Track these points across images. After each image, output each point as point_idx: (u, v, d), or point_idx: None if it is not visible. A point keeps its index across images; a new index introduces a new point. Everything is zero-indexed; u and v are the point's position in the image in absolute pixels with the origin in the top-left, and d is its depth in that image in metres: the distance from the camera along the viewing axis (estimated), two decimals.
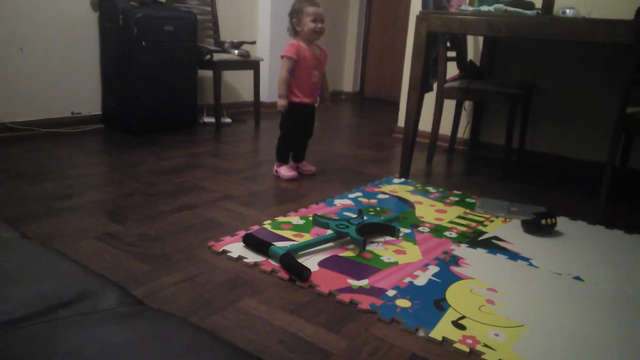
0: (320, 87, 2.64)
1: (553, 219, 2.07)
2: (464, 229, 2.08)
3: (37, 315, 0.65)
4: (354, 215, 2.10)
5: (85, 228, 1.88)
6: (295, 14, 2.52)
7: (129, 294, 0.76)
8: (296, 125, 2.61)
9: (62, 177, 2.42)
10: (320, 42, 2.61)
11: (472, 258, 1.82)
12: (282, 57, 2.51)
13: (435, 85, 3.03)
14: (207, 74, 3.87)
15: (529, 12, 2.38)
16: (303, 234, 1.93)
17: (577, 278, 1.71)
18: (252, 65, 3.84)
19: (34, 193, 2.19)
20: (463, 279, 1.66)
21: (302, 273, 1.56)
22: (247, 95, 4.46)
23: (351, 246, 1.84)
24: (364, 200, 2.36)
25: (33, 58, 3.13)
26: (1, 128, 3.05)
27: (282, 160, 2.66)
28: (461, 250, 1.88)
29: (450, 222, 2.15)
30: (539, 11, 2.50)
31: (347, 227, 1.86)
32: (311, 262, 1.70)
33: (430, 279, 1.64)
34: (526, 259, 1.83)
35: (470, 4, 2.67)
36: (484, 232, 2.06)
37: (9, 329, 0.62)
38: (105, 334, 0.62)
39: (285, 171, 2.61)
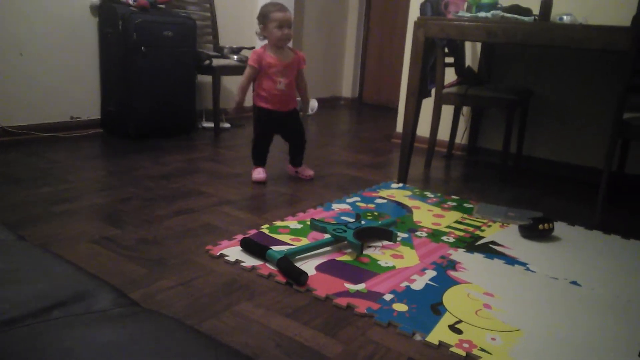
0: (292, 94, 2.62)
1: (550, 224, 2.07)
2: (461, 233, 2.08)
3: (31, 315, 0.65)
4: (351, 220, 2.10)
5: (82, 232, 1.88)
6: (261, 19, 2.49)
7: (124, 295, 0.76)
8: (263, 129, 2.64)
9: (60, 181, 2.43)
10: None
11: (469, 263, 1.82)
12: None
13: (433, 91, 3.04)
14: (206, 79, 3.88)
15: (526, 19, 2.40)
16: (300, 238, 1.93)
17: (574, 283, 1.71)
18: None
19: (32, 197, 2.20)
20: (460, 283, 1.66)
21: (299, 277, 1.56)
22: (246, 101, 4.46)
23: (349, 250, 1.84)
24: (362, 204, 2.36)
25: (32, 63, 3.14)
26: (0, 132, 3.06)
27: (255, 162, 2.68)
28: (458, 254, 1.88)
29: (448, 226, 2.15)
30: (536, 17, 2.51)
31: (345, 231, 1.86)
32: (308, 266, 1.70)
33: (427, 284, 1.64)
34: (523, 264, 1.83)
35: (468, 10, 2.67)
36: (482, 237, 2.06)
37: (2, 329, 0.62)
38: (99, 334, 0.62)
39: (256, 173, 2.62)
